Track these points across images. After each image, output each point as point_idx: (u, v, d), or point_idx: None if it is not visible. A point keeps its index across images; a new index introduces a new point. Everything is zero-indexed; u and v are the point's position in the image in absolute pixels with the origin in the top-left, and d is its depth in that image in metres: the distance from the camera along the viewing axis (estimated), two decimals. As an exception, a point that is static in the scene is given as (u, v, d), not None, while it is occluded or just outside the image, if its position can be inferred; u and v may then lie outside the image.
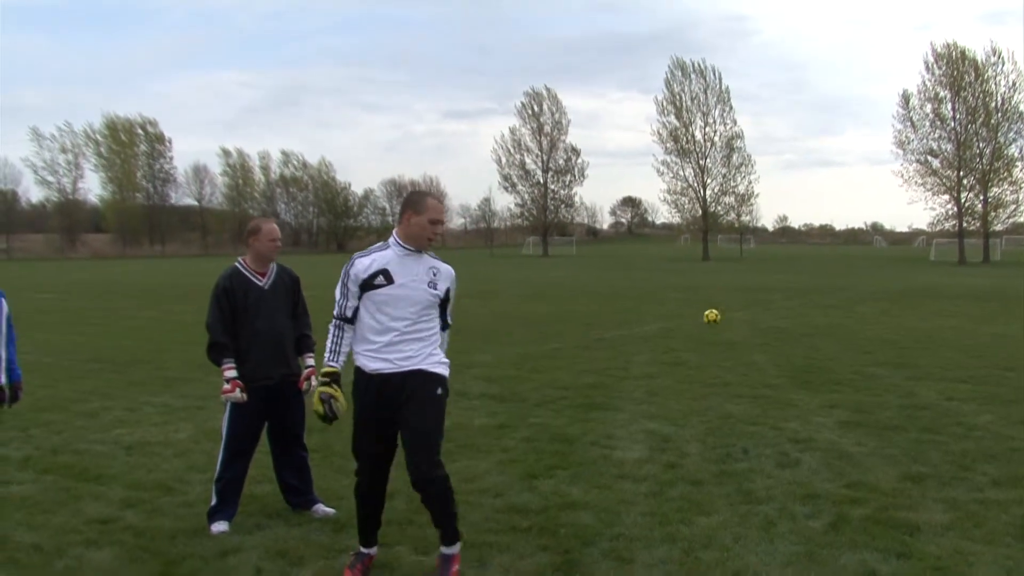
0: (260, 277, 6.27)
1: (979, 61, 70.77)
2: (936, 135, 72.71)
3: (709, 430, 8.85)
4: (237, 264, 6.36)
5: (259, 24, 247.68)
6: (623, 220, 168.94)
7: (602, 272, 50.85)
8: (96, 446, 8.40)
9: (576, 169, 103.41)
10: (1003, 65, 70.39)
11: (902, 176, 75.35)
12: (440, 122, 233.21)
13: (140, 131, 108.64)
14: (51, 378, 12.38)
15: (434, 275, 5.15)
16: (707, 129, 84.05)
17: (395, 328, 5.06)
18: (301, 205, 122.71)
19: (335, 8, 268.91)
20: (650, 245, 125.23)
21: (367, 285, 5.10)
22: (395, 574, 5.19)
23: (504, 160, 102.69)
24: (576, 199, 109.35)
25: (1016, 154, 70.95)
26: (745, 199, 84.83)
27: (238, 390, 6.06)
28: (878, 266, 59.38)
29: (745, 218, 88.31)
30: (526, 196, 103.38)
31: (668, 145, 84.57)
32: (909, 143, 73.41)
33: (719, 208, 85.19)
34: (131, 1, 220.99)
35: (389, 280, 5.06)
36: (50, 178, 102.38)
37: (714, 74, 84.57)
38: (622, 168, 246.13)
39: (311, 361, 6.45)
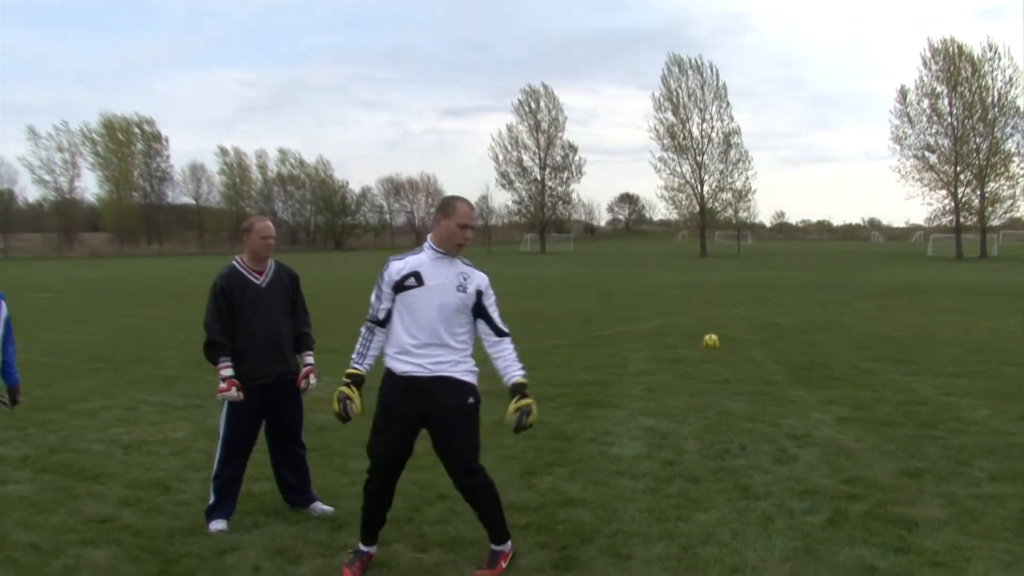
0: (257, 275, 6.26)
1: (975, 57, 70.86)
2: (933, 130, 72.83)
3: (707, 427, 8.86)
4: (234, 262, 6.35)
5: (256, 22, 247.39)
6: (620, 217, 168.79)
7: (600, 269, 50.87)
8: (94, 445, 8.40)
9: (573, 166, 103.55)
10: (999, 60, 70.57)
11: (899, 171, 75.54)
12: (438, 120, 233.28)
13: (137, 130, 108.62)
14: (49, 377, 12.38)
15: (464, 279, 5.15)
16: (704, 125, 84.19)
17: (424, 331, 5.09)
18: (298, 203, 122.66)
19: (332, 5, 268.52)
20: (647, 242, 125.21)
21: (399, 287, 5.13)
22: (393, 572, 5.19)
23: (501, 157, 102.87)
24: (574, 196, 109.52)
25: (1013, 149, 71.14)
26: (742, 195, 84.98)
27: (234, 389, 6.05)
28: (875, 262, 59.41)
29: (742, 214, 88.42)
30: (523, 193, 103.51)
31: (665, 141, 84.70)
32: (906, 138, 73.53)
33: (716, 204, 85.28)
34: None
35: (420, 282, 5.09)
36: (47, 177, 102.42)
37: (711, 70, 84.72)
38: (619, 165, 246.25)
39: (310, 359, 6.45)
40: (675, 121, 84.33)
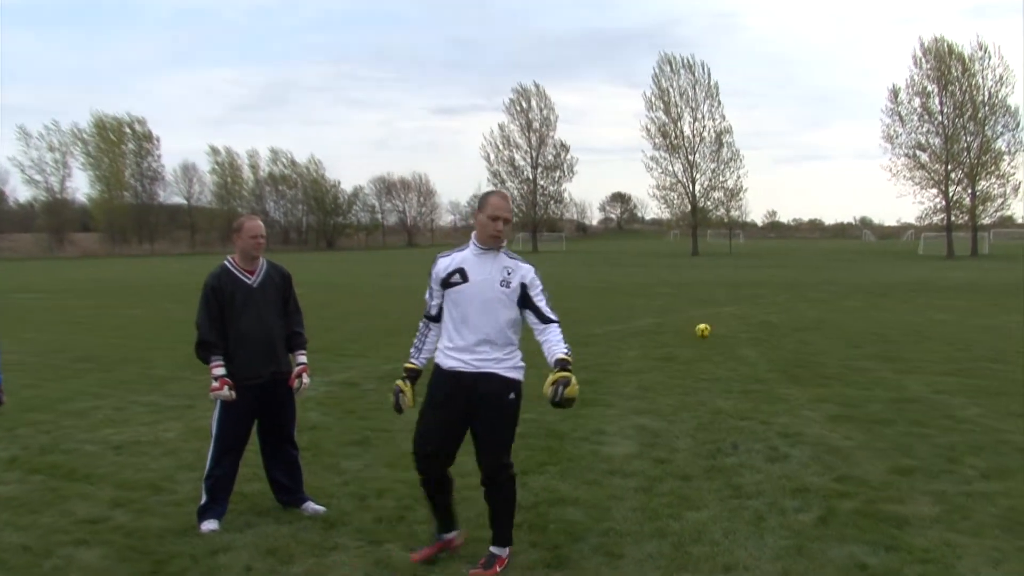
0: (249, 275, 6.25)
1: (966, 56, 70.99)
2: (924, 129, 72.92)
3: (699, 425, 8.87)
4: (226, 262, 6.34)
5: (247, 21, 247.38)
6: (612, 216, 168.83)
7: (592, 268, 50.90)
8: (85, 446, 8.38)
9: (565, 165, 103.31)
10: (990, 59, 70.66)
11: (890, 170, 75.68)
12: (429, 119, 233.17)
13: (128, 130, 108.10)
14: (39, 377, 12.34)
15: (508, 274, 5.21)
16: (696, 124, 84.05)
17: (469, 326, 5.19)
18: (290, 203, 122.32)
19: (323, 4, 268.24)
20: (639, 241, 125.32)
21: (446, 283, 5.26)
22: (385, 571, 5.18)
23: (493, 157, 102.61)
24: (565, 195, 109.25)
25: (1003, 148, 71.20)
26: (734, 194, 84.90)
27: (226, 388, 6.04)
28: (867, 260, 59.54)
29: (734, 213, 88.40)
30: (515, 192, 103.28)
31: (657, 140, 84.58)
32: (897, 137, 73.61)
33: (708, 203, 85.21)
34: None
35: (464, 278, 5.21)
36: (37, 177, 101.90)
37: (702, 69, 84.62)
38: (611, 164, 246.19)
39: (303, 358, 6.44)
40: (667, 120, 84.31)
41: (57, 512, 6.34)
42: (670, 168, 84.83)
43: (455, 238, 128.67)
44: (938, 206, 73.11)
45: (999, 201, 72.44)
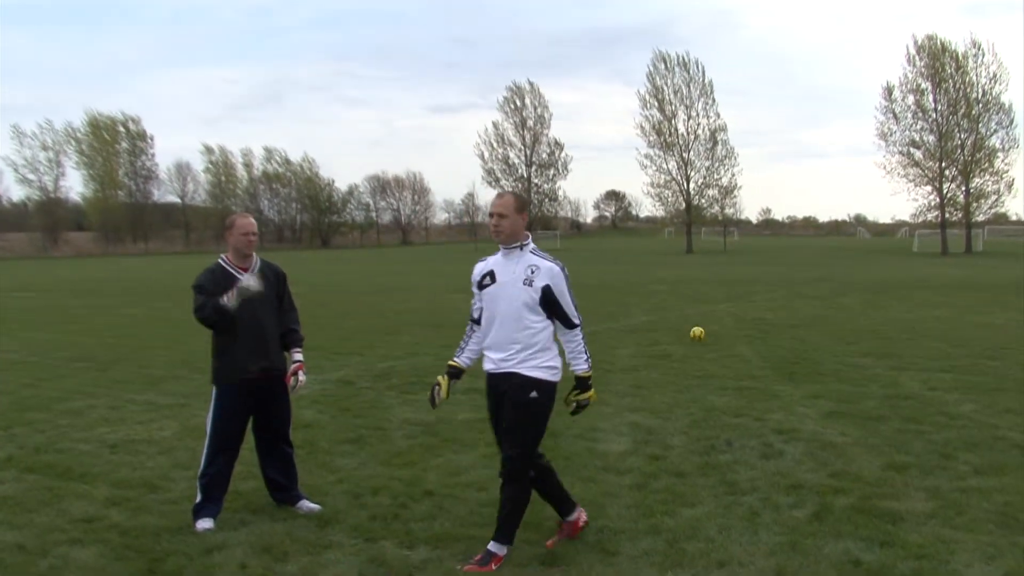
0: (242, 272, 6.25)
1: (959, 53, 71.04)
2: (918, 126, 72.93)
3: (693, 422, 8.89)
4: (220, 260, 6.34)
5: (242, 20, 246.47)
6: (607, 214, 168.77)
7: (586, 266, 50.86)
8: (80, 445, 8.37)
9: (559, 163, 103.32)
10: (984, 57, 70.71)
11: (885, 167, 75.68)
12: (424, 117, 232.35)
13: (122, 128, 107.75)
14: (34, 377, 12.32)
15: (531, 272, 5.30)
16: (690, 122, 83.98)
17: (496, 327, 5.35)
18: (284, 201, 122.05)
19: (318, 3, 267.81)
20: (634, 238, 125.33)
21: (480, 286, 5.47)
22: (380, 569, 5.19)
23: (487, 155, 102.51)
24: (560, 193, 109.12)
25: (997, 145, 71.24)
26: (728, 192, 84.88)
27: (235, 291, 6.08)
28: (861, 257, 59.61)
29: (729, 211, 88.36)
30: (510, 190, 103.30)
31: (651, 138, 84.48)
32: (892, 135, 73.59)
33: (703, 201, 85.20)
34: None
35: (493, 280, 5.39)
36: (31, 176, 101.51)
37: (697, 67, 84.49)
38: (606, 162, 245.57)
39: (299, 356, 6.44)
40: (661, 118, 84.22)
41: (53, 511, 6.34)
42: (664, 166, 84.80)
43: (449, 236, 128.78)
44: (932, 203, 73.21)
45: (993, 198, 72.57)
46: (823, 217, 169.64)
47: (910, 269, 42.78)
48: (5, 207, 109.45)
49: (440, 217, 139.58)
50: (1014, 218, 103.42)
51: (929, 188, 72.87)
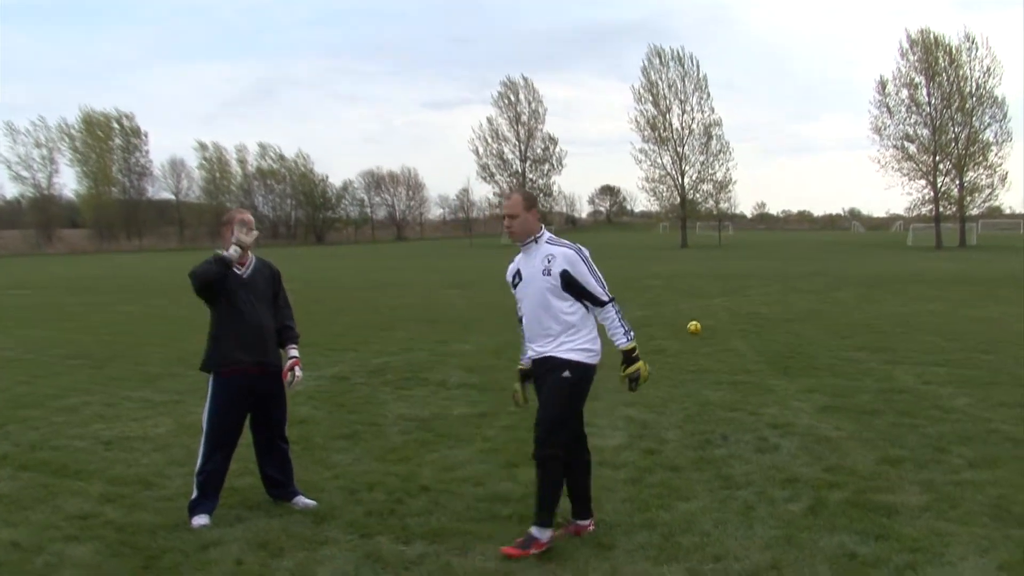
0: (239, 267, 6.24)
1: (952, 47, 71.04)
2: (912, 120, 72.90)
3: (688, 417, 8.90)
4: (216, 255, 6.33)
5: (237, 16, 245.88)
6: (602, 209, 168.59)
7: (581, 261, 50.82)
8: (75, 442, 8.37)
9: (554, 158, 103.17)
10: (977, 51, 70.73)
11: (879, 161, 75.58)
12: (419, 112, 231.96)
13: (116, 125, 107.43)
14: (29, 374, 12.31)
15: (548, 262, 5.45)
16: (685, 116, 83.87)
17: (528, 319, 5.55)
18: (279, 197, 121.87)
19: (315, 1, 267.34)
20: (629, 233, 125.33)
21: (514, 286, 5.68)
22: (376, 564, 5.19)
23: (482, 150, 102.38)
24: (555, 188, 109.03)
25: (991, 139, 71.29)
26: (723, 186, 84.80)
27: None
28: (856, 251, 59.64)
29: (723, 205, 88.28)
30: (504, 186, 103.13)
31: (646, 133, 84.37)
32: (885, 128, 73.56)
33: (697, 195, 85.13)
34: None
35: (520, 277, 5.61)
36: (24, 173, 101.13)
37: (692, 61, 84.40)
38: (600, 157, 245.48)
39: (294, 352, 6.45)
40: (656, 112, 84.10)
41: (48, 508, 6.34)
42: (659, 160, 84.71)
43: (444, 232, 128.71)
44: (926, 197, 73.20)
45: (987, 192, 72.56)
46: (818, 211, 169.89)
47: (904, 263, 42.83)
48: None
49: (435, 213, 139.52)
50: (1008, 211, 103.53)
51: (923, 182, 72.90)
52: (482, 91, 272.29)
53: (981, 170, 71.70)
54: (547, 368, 5.45)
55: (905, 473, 6.77)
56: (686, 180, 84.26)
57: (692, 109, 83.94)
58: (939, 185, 72.15)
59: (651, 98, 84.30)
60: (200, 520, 5.94)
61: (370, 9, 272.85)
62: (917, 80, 72.13)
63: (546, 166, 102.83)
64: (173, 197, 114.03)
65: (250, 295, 6.21)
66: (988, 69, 70.42)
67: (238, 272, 6.22)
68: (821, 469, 6.92)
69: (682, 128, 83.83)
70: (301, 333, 6.65)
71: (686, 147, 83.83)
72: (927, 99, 71.81)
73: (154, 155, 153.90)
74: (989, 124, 71.28)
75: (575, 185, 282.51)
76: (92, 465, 7.50)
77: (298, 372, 6.40)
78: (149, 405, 10.04)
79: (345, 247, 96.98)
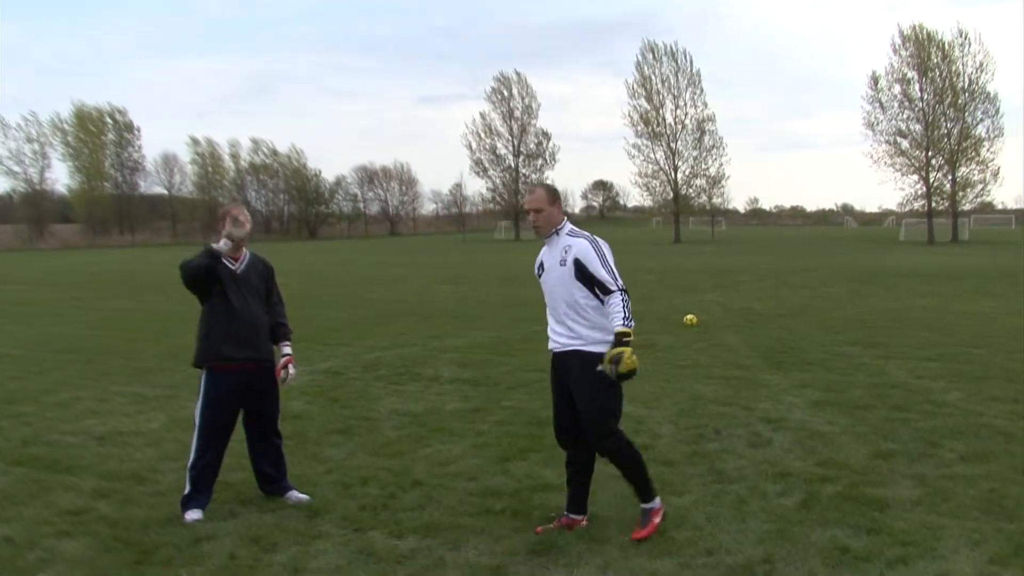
0: (232, 261, 6.24)
1: (945, 42, 71.16)
2: (904, 116, 73.08)
3: (681, 411, 8.91)
4: (210, 250, 6.32)
5: (230, 11, 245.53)
6: (595, 204, 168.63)
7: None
8: (67, 437, 8.35)
9: (547, 153, 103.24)
10: (970, 46, 70.87)
11: (871, 157, 75.90)
12: (412, 108, 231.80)
13: (109, 120, 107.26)
14: (21, 369, 12.29)
15: (565, 252, 5.54)
16: (678, 112, 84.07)
17: (551, 308, 5.64)
18: (272, 192, 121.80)
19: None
20: (622, 228, 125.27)
21: (539, 276, 5.75)
22: (369, 559, 5.19)
23: (475, 145, 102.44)
24: (548, 183, 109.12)
25: (983, 134, 71.48)
26: (716, 181, 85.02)
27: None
28: (849, 246, 59.73)
29: (716, 200, 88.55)
30: (497, 181, 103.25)
31: (639, 128, 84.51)
32: (878, 124, 73.71)
33: (690, 191, 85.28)
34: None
35: (543, 268, 5.71)
36: (16, 168, 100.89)
37: (685, 57, 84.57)
38: (594, 152, 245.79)
39: (288, 349, 6.45)
40: (649, 108, 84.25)
41: (40, 504, 6.33)
42: (652, 156, 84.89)
43: (437, 227, 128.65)
44: (919, 192, 73.38)
45: (979, 187, 72.83)
46: (810, 207, 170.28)
47: (897, 258, 42.90)
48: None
49: (428, 208, 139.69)
50: (1000, 207, 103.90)
51: (916, 177, 73.08)
52: (475, 86, 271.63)
53: (973, 165, 71.96)
54: (576, 365, 5.46)
55: (897, 467, 6.78)
56: (679, 175, 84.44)
57: (685, 104, 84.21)
58: (931, 180, 72.33)
59: (644, 93, 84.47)
60: (193, 515, 5.94)
61: (363, 4, 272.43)
62: (910, 75, 72.31)
63: (539, 161, 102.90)
64: (166, 192, 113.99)
65: (243, 290, 6.21)
66: (981, 65, 70.68)
67: (232, 267, 6.21)
68: (814, 463, 6.94)
69: (675, 123, 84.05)
70: (294, 328, 6.64)
71: (679, 142, 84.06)
72: (920, 95, 71.99)
73: (147, 150, 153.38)
74: (981, 120, 71.60)
75: (568, 180, 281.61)
76: (85, 460, 7.48)
77: (291, 370, 6.41)
78: (142, 400, 10.03)
79: (338, 242, 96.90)
